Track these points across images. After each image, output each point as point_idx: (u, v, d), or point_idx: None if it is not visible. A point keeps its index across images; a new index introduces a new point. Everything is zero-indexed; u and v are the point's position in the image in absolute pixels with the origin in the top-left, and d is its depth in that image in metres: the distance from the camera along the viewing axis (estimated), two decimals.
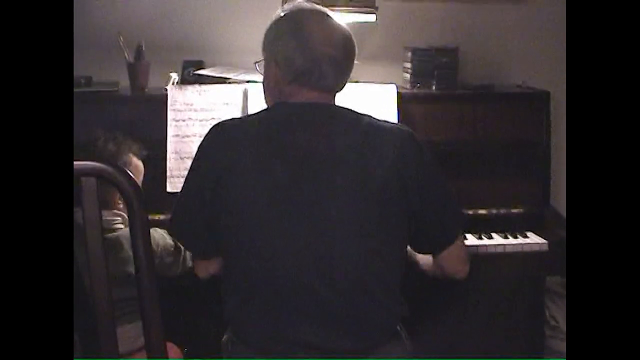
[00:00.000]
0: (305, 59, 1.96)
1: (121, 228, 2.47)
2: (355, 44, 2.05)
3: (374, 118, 2.01)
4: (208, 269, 2.12)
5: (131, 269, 2.28)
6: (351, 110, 2.02)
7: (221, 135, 1.98)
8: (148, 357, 1.50)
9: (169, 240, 2.49)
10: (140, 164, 2.62)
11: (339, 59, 2.00)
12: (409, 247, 2.11)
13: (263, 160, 1.92)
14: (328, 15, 2.05)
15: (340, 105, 2.04)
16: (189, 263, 2.50)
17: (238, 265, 1.96)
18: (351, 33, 2.04)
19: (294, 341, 1.89)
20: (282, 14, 2.07)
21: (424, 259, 2.19)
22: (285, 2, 2.87)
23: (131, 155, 2.60)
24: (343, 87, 2.06)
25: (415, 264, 2.23)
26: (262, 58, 2.11)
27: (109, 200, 2.46)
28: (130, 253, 2.32)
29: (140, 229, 1.46)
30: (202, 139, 2.01)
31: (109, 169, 1.45)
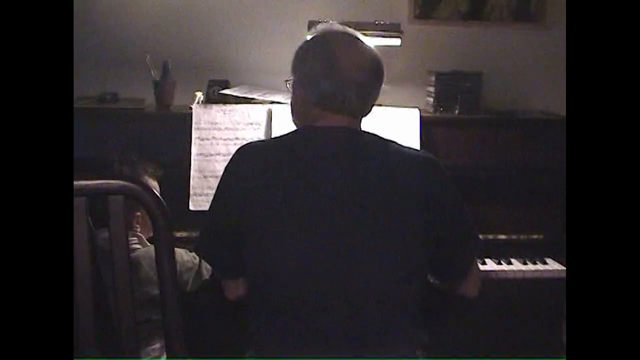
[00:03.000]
0: (330, 83, 1.97)
1: (138, 248, 2.48)
2: (384, 69, 2.05)
3: (399, 145, 2.02)
4: (238, 290, 2.10)
5: (150, 289, 2.31)
6: (377, 136, 2.02)
7: (248, 156, 2.00)
8: None
9: (186, 257, 2.50)
10: (156, 184, 2.62)
11: (364, 84, 2.00)
12: None
13: (288, 184, 1.92)
14: (358, 39, 2.05)
15: (366, 130, 2.05)
16: (205, 276, 2.51)
17: (263, 286, 1.96)
18: (381, 57, 2.04)
19: None
20: (313, 36, 2.08)
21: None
22: (311, 25, 2.90)
23: (147, 177, 2.59)
24: (369, 111, 2.06)
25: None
26: (288, 78, 2.12)
27: (128, 220, 2.47)
28: (150, 273, 2.34)
29: (165, 247, 1.48)
30: (226, 158, 2.02)
31: (137, 187, 1.47)
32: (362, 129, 2.06)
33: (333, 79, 1.97)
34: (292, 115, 2.12)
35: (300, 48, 2.07)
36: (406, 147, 2.03)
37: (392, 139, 2.03)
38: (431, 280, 2.22)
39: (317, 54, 2.01)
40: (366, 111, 2.06)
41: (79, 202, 1.45)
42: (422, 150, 2.06)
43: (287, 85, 2.15)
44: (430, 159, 2.01)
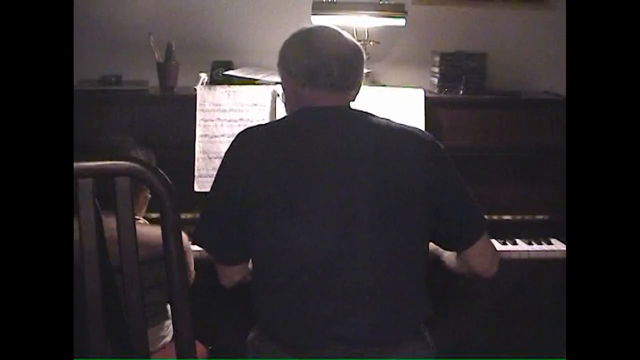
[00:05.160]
0: (311, 59, 2.05)
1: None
2: (363, 51, 2.14)
3: (391, 121, 2.07)
4: (233, 276, 2.14)
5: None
6: (369, 113, 2.08)
7: (248, 140, 2.05)
8: (178, 356, 1.51)
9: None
10: None
11: (345, 57, 2.08)
12: (434, 246, 2.16)
13: (289, 162, 1.97)
14: (334, 29, 2.15)
15: (357, 108, 2.11)
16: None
17: (267, 262, 2.00)
18: (357, 42, 2.15)
19: (321, 333, 1.93)
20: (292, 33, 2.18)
21: (450, 257, 2.21)
22: (316, 5, 2.90)
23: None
24: (358, 87, 2.13)
25: (442, 262, 2.26)
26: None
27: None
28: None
29: (172, 229, 1.47)
30: (230, 139, 2.07)
31: (143, 168, 1.46)
32: (358, 108, 2.12)
33: (314, 55, 2.06)
34: (287, 105, 2.20)
35: (284, 43, 2.16)
36: (398, 123, 2.08)
37: (385, 117, 2.09)
38: (448, 265, 2.25)
39: (296, 41, 2.12)
40: (354, 89, 2.12)
41: (86, 184, 1.44)
42: (414, 127, 2.11)
43: (278, 92, 2.27)
44: (420, 131, 2.08)
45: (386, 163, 1.97)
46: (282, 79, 2.16)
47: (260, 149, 2.00)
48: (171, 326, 2.55)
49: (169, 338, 2.53)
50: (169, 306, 2.58)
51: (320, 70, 2.04)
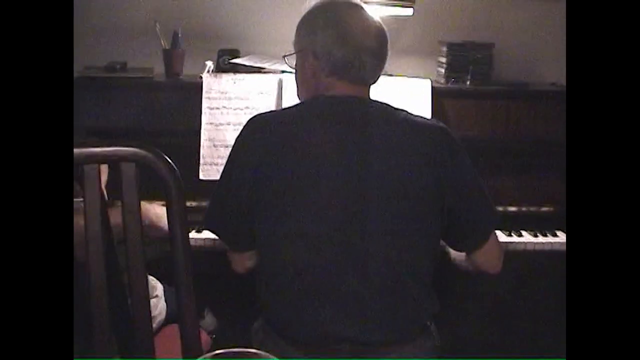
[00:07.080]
0: (345, 51, 1.96)
1: None
2: (388, 36, 2.05)
3: (410, 113, 2.01)
4: (245, 263, 2.11)
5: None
6: (388, 105, 2.02)
7: (258, 128, 1.99)
8: (182, 343, 1.51)
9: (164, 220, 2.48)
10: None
11: (376, 51, 2.00)
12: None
13: (300, 153, 1.92)
14: (362, 7, 2.05)
15: (377, 99, 2.04)
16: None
17: (273, 255, 1.97)
18: (383, 25, 2.05)
19: (325, 333, 1.91)
20: (316, 6, 2.07)
21: (459, 254, 2.19)
22: None
23: None
24: (377, 79, 2.06)
25: (447, 255, 2.24)
26: (291, 51, 2.12)
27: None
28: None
29: (178, 215, 1.47)
30: (236, 127, 2.03)
31: (149, 154, 1.46)
32: (373, 98, 2.06)
33: (348, 48, 1.96)
34: (299, 87, 2.11)
35: (306, 18, 2.07)
36: (416, 115, 2.02)
37: (401, 108, 2.03)
38: (453, 259, 2.23)
39: (328, 24, 2.00)
40: (376, 79, 2.05)
41: (91, 169, 1.44)
42: (434, 119, 2.06)
43: (286, 59, 2.16)
44: (441, 127, 2.00)
45: (400, 158, 1.92)
46: (301, 59, 2.06)
47: (270, 140, 1.95)
48: (160, 304, 2.53)
49: (162, 317, 2.51)
50: (157, 284, 2.56)
51: (353, 64, 1.97)
